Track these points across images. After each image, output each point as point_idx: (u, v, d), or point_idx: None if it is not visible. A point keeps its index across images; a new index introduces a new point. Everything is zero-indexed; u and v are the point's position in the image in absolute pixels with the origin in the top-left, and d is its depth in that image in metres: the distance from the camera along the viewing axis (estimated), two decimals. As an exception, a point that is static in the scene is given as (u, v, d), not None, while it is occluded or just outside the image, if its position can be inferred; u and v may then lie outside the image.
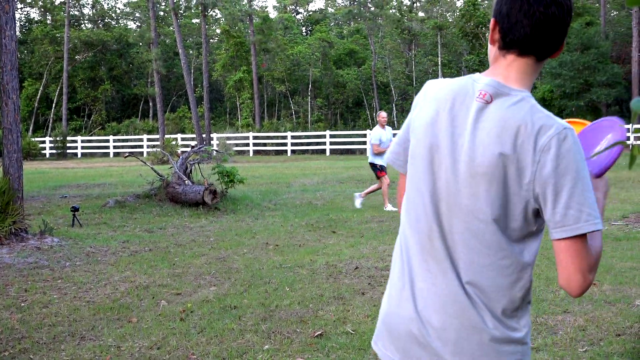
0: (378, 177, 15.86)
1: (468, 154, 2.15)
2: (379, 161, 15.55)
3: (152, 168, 17.82)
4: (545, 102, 45.48)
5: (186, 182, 16.41)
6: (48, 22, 68.69)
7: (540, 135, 2.09)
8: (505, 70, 2.22)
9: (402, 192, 2.48)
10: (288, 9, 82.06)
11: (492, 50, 2.29)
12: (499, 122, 2.13)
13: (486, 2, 59.09)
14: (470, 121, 2.17)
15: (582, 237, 2.11)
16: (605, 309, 6.87)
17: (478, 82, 2.22)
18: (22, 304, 7.54)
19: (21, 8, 68.62)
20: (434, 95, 2.28)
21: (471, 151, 2.15)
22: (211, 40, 71.35)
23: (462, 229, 2.19)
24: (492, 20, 2.26)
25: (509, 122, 2.11)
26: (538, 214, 2.16)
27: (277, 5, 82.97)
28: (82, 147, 52.09)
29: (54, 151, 50.54)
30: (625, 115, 45.03)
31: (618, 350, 5.71)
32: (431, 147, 2.23)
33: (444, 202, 2.22)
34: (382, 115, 15.92)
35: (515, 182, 2.10)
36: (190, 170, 17.32)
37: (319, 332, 6.33)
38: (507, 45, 2.21)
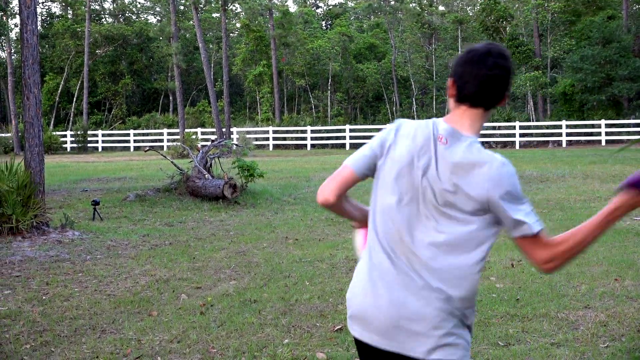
0: None
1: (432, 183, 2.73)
2: None
3: (172, 162, 17.87)
4: (566, 97, 45.25)
5: (206, 176, 16.44)
6: (69, 16, 68.88)
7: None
8: (460, 119, 2.79)
9: (342, 184, 3.06)
10: (308, 3, 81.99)
11: (450, 101, 2.86)
12: (455, 160, 2.69)
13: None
14: (433, 158, 2.73)
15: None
16: (627, 305, 6.83)
17: (438, 127, 2.78)
18: (44, 297, 7.58)
19: (42, 3, 68.99)
20: (409, 134, 2.81)
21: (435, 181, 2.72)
22: (231, 34, 71.39)
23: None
24: (449, 80, 2.85)
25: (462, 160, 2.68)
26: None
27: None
28: (103, 141, 52.28)
29: (74, 145, 50.75)
30: (647, 109, 44.72)
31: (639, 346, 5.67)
32: (399, 176, 2.79)
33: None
34: None
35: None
36: (210, 164, 17.35)
37: (339, 327, 6.32)
38: (461, 99, 2.79)
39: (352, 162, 2.98)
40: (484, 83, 2.73)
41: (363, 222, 3.36)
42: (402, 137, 2.82)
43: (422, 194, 2.74)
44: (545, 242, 2.64)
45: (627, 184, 2.60)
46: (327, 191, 3.07)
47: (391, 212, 2.82)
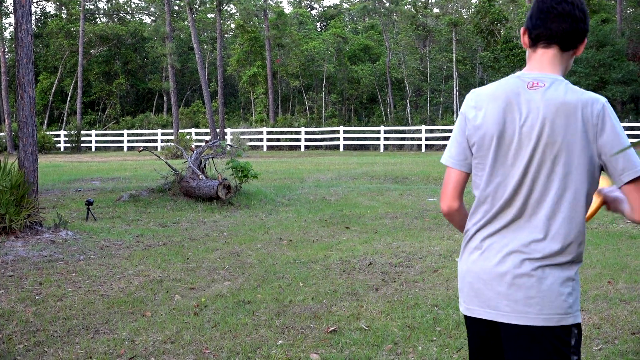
0: None
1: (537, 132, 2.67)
2: None
3: (166, 162, 17.86)
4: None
5: (200, 176, 16.43)
6: (63, 16, 68.82)
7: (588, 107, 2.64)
8: (539, 63, 2.77)
9: (452, 185, 2.90)
10: (303, 4, 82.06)
11: (527, 53, 2.85)
12: (550, 102, 2.66)
13: (501, -2, 58.94)
14: (532, 107, 2.68)
15: None
16: (620, 307, 6.84)
17: (523, 77, 2.76)
18: (37, 297, 7.57)
19: (37, 2, 68.87)
20: (489, 97, 2.77)
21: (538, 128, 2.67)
22: (226, 35, 71.39)
23: None
24: (522, 29, 2.86)
25: (556, 101, 2.65)
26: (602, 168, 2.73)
27: (292, 0, 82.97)
28: (97, 141, 52.22)
29: (68, 145, 50.68)
30: (641, 112, 44.85)
31: (633, 348, 5.68)
32: (500, 136, 2.73)
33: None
34: None
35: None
36: (204, 165, 17.35)
37: (333, 328, 6.33)
38: (534, 41, 2.78)
39: (451, 161, 2.89)
40: (554, 18, 2.72)
41: None
42: (485, 102, 2.78)
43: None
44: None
45: None
46: (448, 200, 2.93)
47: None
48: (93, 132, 52.88)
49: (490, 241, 2.77)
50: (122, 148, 51.26)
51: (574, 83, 39.04)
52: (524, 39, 2.83)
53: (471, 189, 2.90)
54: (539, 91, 2.68)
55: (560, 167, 2.65)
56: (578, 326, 2.70)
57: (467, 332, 2.98)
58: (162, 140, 48.53)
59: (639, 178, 2.62)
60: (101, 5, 74.28)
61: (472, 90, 2.86)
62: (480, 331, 2.88)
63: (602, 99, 2.63)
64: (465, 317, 2.92)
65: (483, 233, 2.80)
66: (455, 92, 54.01)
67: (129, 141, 51.28)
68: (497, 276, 2.73)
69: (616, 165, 2.62)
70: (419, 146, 44.38)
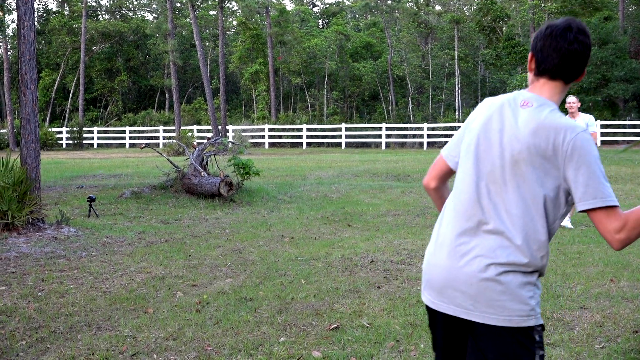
0: None
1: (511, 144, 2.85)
2: None
3: (168, 159, 17.87)
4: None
5: (202, 173, 16.43)
6: (66, 12, 68.79)
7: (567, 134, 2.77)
8: (540, 90, 2.95)
9: (437, 170, 3.21)
10: (305, 1, 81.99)
11: (530, 75, 3.01)
12: (530, 121, 2.83)
13: (503, -5, 58.84)
14: (514, 121, 2.88)
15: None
16: (622, 306, 6.84)
17: (521, 95, 2.95)
18: (39, 294, 7.58)
19: (39, -2, 68.91)
20: (489, 107, 2.99)
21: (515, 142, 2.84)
22: (228, 32, 71.38)
23: None
24: (530, 54, 3.02)
25: (535, 121, 2.82)
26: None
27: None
28: (99, 138, 52.24)
29: (70, 141, 50.70)
30: (643, 110, 44.80)
31: (635, 347, 5.68)
32: (478, 139, 2.94)
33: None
34: (569, 100, 12.58)
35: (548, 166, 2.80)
36: (206, 162, 17.35)
37: (335, 325, 6.33)
38: (540, 72, 2.95)
39: (444, 153, 3.18)
40: (563, 56, 2.89)
41: None
42: (485, 108, 3.01)
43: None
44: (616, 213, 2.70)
45: None
46: (426, 178, 3.27)
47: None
48: (95, 128, 52.91)
49: (460, 241, 2.91)
50: (124, 145, 51.26)
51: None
52: (531, 65, 2.99)
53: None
54: (526, 110, 2.88)
55: (523, 182, 2.81)
56: (541, 326, 2.85)
57: (430, 321, 3.14)
58: (164, 137, 48.53)
59: (598, 209, 2.72)
60: (103, 2, 74.25)
61: (487, 99, 3.08)
62: (444, 324, 3.03)
63: (579, 129, 2.77)
64: (430, 308, 3.07)
65: (453, 231, 2.95)
66: (457, 89, 53.97)
67: (130, 138, 51.29)
68: (463, 277, 2.87)
69: (576, 192, 2.74)
70: (421, 144, 44.36)
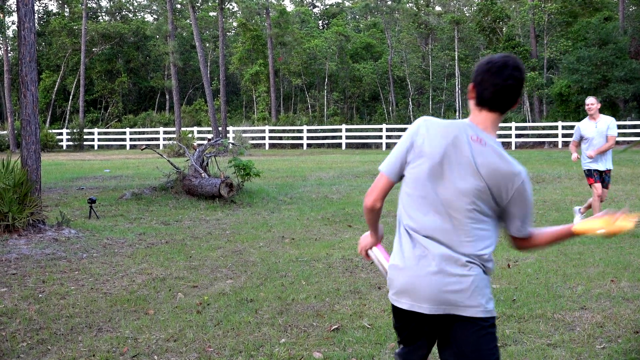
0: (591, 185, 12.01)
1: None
2: (592, 165, 11.83)
3: (168, 160, 17.87)
4: (562, 98, 45.25)
5: (202, 174, 16.43)
6: (66, 14, 68.79)
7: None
8: (483, 124, 3.35)
9: (379, 192, 3.48)
10: (305, 2, 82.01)
11: (471, 102, 3.40)
12: (486, 159, 3.27)
13: (504, -4, 58.84)
14: (467, 155, 3.26)
15: None
16: (623, 306, 6.84)
17: (472, 127, 3.32)
18: (40, 295, 7.58)
19: (40, 0, 68.88)
20: (439, 132, 3.31)
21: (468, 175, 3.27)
22: (228, 33, 71.37)
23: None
24: (470, 84, 3.38)
25: (490, 160, 3.27)
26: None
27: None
28: (99, 139, 52.25)
29: (70, 143, 50.69)
30: (643, 111, 44.78)
31: (636, 347, 5.68)
32: (434, 169, 3.29)
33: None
34: (588, 102, 12.15)
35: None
36: (207, 163, 17.35)
37: (336, 326, 6.33)
38: (480, 103, 3.35)
39: (386, 169, 3.44)
40: (499, 91, 3.29)
41: (378, 239, 3.83)
42: (434, 135, 3.31)
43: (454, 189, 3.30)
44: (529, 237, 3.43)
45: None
46: (372, 198, 3.50)
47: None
48: (95, 130, 52.91)
49: (426, 244, 3.33)
50: (124, 146, 51.27)
51: (577, 82, 38.93)
52: (471, 95, 3.38)
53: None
54: (480, 147, 3.26)
55: (477, 206, 3.28)
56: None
57: (400, 322, 3.50)
58: (164, 139, 48.51)
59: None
60: (103, 3, 74.25)
61: (425, 119, 3.40)
62: (414, 322, 3.41)
63: (523, 174, 3.31)
64: (404, 310, 3.40)
65: (419, 237, 3.35)
66: (457, 90, 53.96)
67: (131, 139, 51.29)
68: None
69: (514, 223, 3.38)
70: (421, 144, 44.27)
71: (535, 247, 3.50)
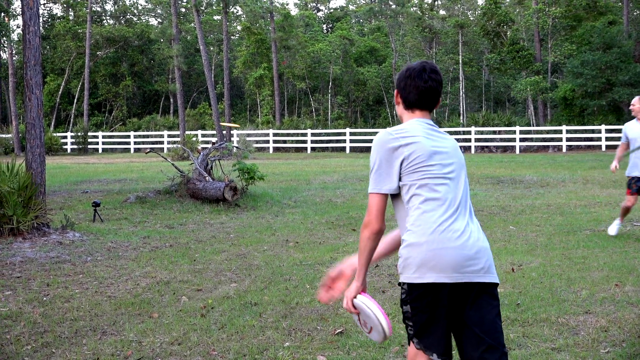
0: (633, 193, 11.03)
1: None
2: (635, 172, 11.03)
3: (172, 164, 17.88)
4: (566, 102, 45.26)
5: (207, 178, 16.45)
6: (70, 18, 68.94)
7: None
8: (423, 119, 3.75)
9: (381, 209, 3.73)
10: (309, 6, 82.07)
11: (399, 108, 3.84)
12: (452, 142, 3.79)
13: (507, 0, 58.81)
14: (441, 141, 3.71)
15: None
16: (627, 310, 6.83)
17: (425, 123, 3.72)
18: (44, 298, 7.59)
19: (44, 4, 69.01)
20: (412, 134, 3.62)
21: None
22: (232, 37, 71.43)
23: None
24: (395, 91, 3.83)
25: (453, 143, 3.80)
26: None
27: (298, 2, 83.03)
28: (103, 143, 52.35)
29: (75, 146, 50.82)
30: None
31: (641, 351, 5.67)
32: (430, 158, 3.60)
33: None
34: (634, 102, 11.62)
35: None
36: (211, 167, 17.37)
37: (340, 330, 6.33)
38: (409, 106, 3.77)
39: (384, 189, 3.65)
40: (422, 93, 3.71)
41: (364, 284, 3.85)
42: (411, 137, 3.62)
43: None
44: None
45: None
46: (378, 222, 3.71)
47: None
48: (100, 133, 53.02)
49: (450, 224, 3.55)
50: (128, 150, 51.36)
51: (581, 86, 38.96)
52: (397, 100, 3.81)
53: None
54: (442, 135, 3.72)
55: (464, 178, 3.71)
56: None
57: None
58: (168, 142, 48.59)
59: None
60: (108, 7, 74.42)
61: (389, 131, 3.65)
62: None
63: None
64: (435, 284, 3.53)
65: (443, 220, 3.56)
66: (461, 94, 53.97)
67: (135, 143, 51.37)
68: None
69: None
70: (425, 148, 44.25)
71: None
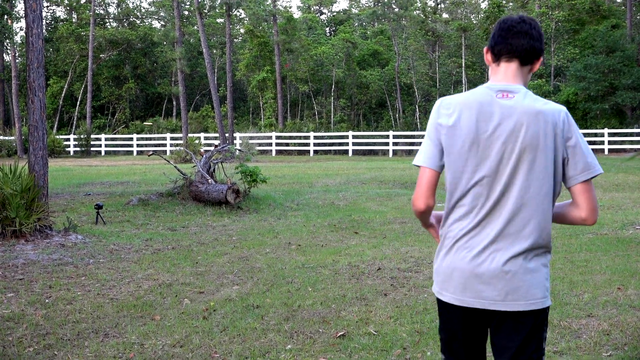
0: None
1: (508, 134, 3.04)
2: None
3: (175, 167, 17.90)
4: (569, 105, 45.22)
5: (209, 181, 16.46)
6: (73, 20, 68.98)
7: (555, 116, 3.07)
8: (504, 76, 3.16)
9: (426, 188, 3.21)
10: (312, 9, 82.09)
11: (490, 69, 3.22)
12: (525, 110, 3.04)
13: (511, 4, 58.79)
14: (500, 112, 3.05)
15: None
16: (629, 314, 6.83)
17: (492, 87, 3.12)
18: (47, 300, 7.59)
19: (47, 6, 69.08)
20: (462, 105, 3.11)
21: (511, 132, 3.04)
22: (235, 40, 71.47)
23: None
24: (485, 48, 3.25)
25: (530, 109, 3.04)
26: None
27: (301, 5, 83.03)
28: (106, 145, 52.38)
29: (78, 149, 50.85)
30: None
31: (643, 355, 5.67)
32: (475, 139, 3.06)
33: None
34: None
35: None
36: (214, 169, 17.38)
37: (342, 333, 6.33)
38: (497, 56, 3.18)
39: (425, 161, 3.21)
40: (512, 35, 3.13)
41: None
42: (460, 109, 3.11)
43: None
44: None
45: None
46: (422, 200, 3.24)
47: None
48: (102, 136, 53.05)
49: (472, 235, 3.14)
50: (131, 152, 51.40)
51: (584, 89, 38.95)
52: (487, 57, 3.24)
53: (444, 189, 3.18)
54: (511, 100, 3.06)
55: (531, 165, 3.03)
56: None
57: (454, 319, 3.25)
58: (171, 145, 48.59)
59: (590, 180, 3.12)
60: (111, 9, 74.46)
61: (442, 99, 3.20)
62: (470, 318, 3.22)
63: (564, 108, 3.11)
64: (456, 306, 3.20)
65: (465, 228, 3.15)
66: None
67: (138, 145, 51.40)
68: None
69: (576, 166, 3.09)
70: (428, 151, 44.24)
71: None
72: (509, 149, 3.03)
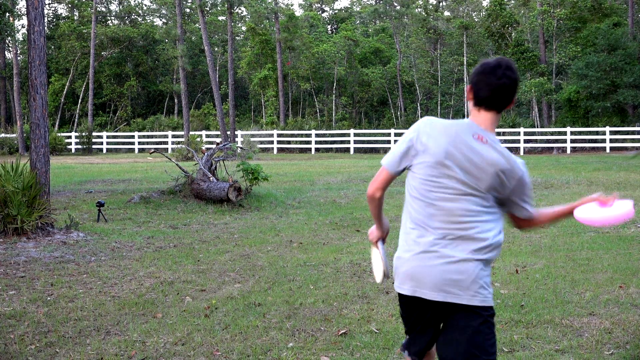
0: None
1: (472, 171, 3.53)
2: None
3: (177, 164, 17.89)
4: (571, 103, 45.21)
5: (211, 178, 16.45)
6: (75, 18, 68.97)
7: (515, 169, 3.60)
8: (484, 123, 3.61)
9: (379, 182, 3.76)
10: (314, 7, 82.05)
11: (470, 104, 3.66)
12: (490, 155, 3.53)
13: (512, 1, 58.76)
14: (470, 152, 3.52)
15: None
16: (631, 312, 6.82)
17: (473, 127, 3.57)
18: (48, 298, 7.60)
19: (49, 4, 69.07)
20: (442, 131, 3.56)
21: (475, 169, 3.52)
22: (237, 37, 71.45)
23: None
24: (468, 86, 3.66)
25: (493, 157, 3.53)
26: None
27: (303, 3, 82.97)
28: (108, 143, 52.40)
29: (79, 146, 50.87)
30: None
31: (644, 353, 5.67)
32: (442, 164, 3.53)
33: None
34: None
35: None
36: (215, 167, 17.38)
37: (343, 331, 6.33)
38: (478, 103, 3.61)
39: (387, 163, 3.71)
40: (494, 90, 3.54)
41: (383, 232, 4.09)
42: (437, 133, 3.56)
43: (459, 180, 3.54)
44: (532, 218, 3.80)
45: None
46: (372, 188, 3.77)
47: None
48: (104, 133, 53.08)
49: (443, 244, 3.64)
50: (133, 150, 51.42)
51: (586, 87, 38.87)
52: (469, 96, 3.64)
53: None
54: (483, 145, 3.52)
55: (479, 193, 3.55)
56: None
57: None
58: (172, 142, 48.58)
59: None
60: (113, 7, 74.42)
61: (428, 119, 3.65)
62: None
63: (523, 167, 3.63)
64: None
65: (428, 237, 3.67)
66: (466, 95, 53.79)
67: (139, 143, 51.42)
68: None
69: (521, 208, 3.77)
70: (430, 149, 44.23)
71: (536, 226, 3.92)
72: (467, 177, 3.54)
